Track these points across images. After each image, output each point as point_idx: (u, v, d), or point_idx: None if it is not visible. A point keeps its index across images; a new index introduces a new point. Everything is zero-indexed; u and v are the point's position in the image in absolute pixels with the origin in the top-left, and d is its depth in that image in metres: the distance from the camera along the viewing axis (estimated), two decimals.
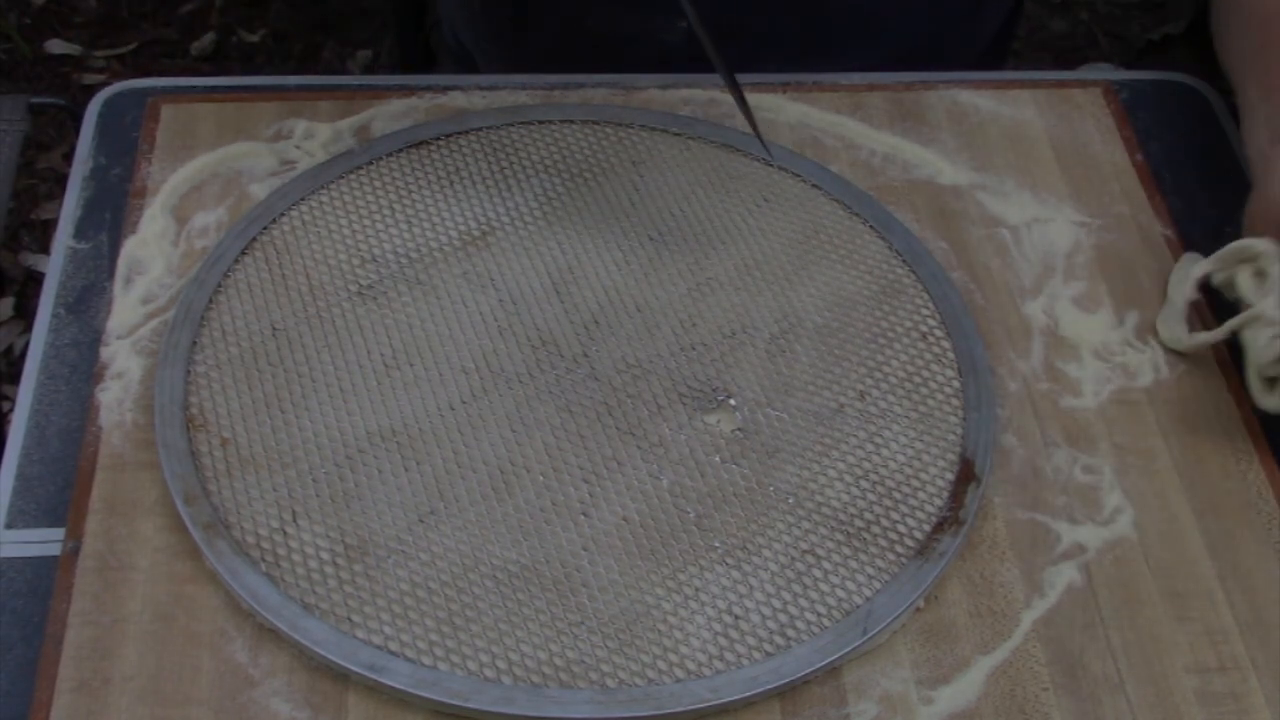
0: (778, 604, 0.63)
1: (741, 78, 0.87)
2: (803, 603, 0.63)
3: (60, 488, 0.67)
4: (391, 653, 0.60)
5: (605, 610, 0.62)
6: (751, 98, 0.86)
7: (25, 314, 1.64)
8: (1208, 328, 0.74)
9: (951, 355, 0.73)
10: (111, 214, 0.78)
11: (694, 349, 0.72)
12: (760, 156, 0.82)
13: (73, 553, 0.64)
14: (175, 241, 0.76)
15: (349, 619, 0.61)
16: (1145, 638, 0.64)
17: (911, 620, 0.64)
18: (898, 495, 0.67)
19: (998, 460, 0.69)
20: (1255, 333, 0.70)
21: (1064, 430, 0.71)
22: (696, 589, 0.63)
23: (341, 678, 0.60)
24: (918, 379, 0.72)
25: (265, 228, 0.76)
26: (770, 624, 0.62)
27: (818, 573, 0.64)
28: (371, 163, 0.80)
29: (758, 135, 0.75)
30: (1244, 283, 0.71)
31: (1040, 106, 0.87)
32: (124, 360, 0.71)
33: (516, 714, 0.59)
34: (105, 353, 0.71)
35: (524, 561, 0.63)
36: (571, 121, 0.84)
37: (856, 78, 0.88)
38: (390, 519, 0.65)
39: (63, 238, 0.77)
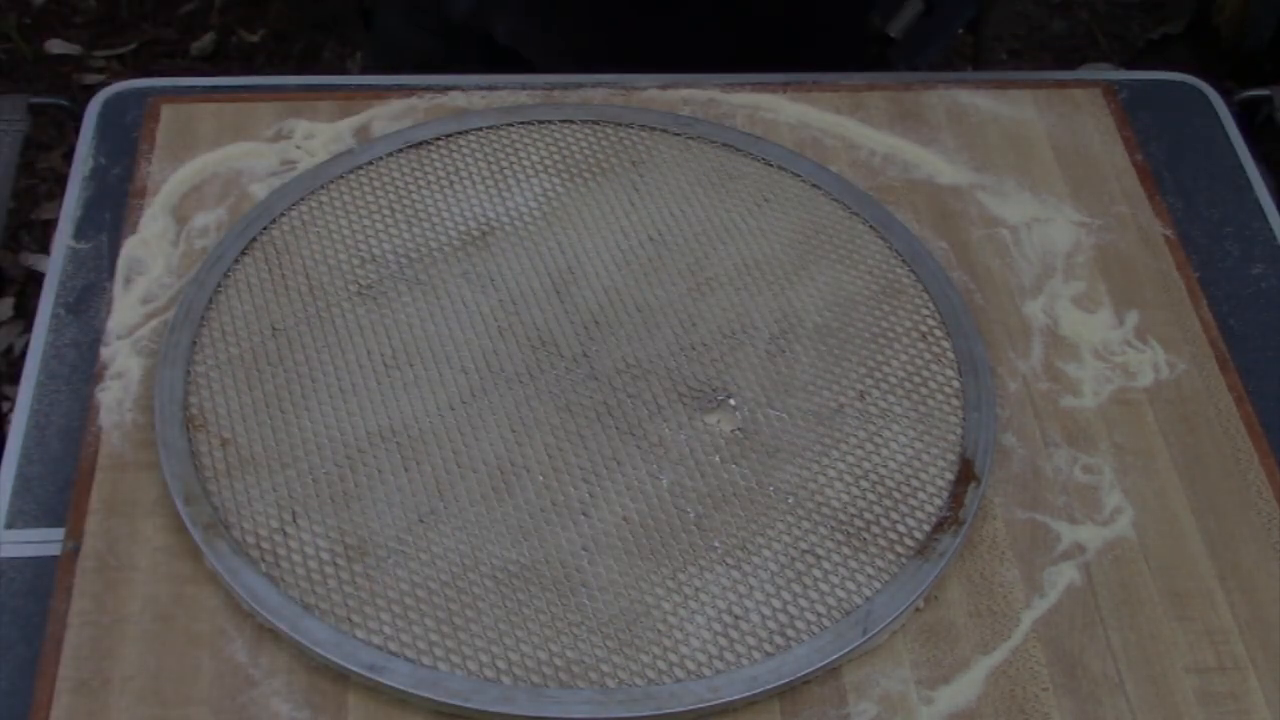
0: (778, 604, 0.63)
1: (741, 77, 0.87)
2: (803, 603, 0.63)
3: (60, 488, 0.67)
4: (391, 653, 0.60)
5: (605, 610, 0.62)
6: (751, 97, 0.86)
7: (25, 314, 1.63)
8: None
9: (951, 355, 0.73)
10: (111, 214, 0.78)
11: (694, 349, 0.72)
12: (760, 156, 0.82)
13: (73, 553, 0.64)
14: (175, 241, 0.76)
15: (349, 619, 0.61)
16: (1145, 638, 0.64)
17: (911, 620, 0.64)
18: (897, 495, 0.67)
19: (998, 460, 0.69)
20: None
21: (1064, 430, 0.71)
22: (696, 589, 0.63)
23: (341, 678, 0.60)
24: (918, 379, 0.72)
25: (265, 228, 0.76)
26: (770, 624, 0.62)
27: (818, 573, 0.64)
28: (371, 163, 0.80)
29: None
30: None
31: (1040, 106, 0.87)
32: (124, 360, 0.71)
33: (516, 714, 0.59)
34: (105, 353, 0.71)
35: (524, 561, 0.63)
36: (571, 121, 0.84)
37: (857, 78, 0.88)
38: (390, 519, 0.65)
39: (63, 238, 0.77)
